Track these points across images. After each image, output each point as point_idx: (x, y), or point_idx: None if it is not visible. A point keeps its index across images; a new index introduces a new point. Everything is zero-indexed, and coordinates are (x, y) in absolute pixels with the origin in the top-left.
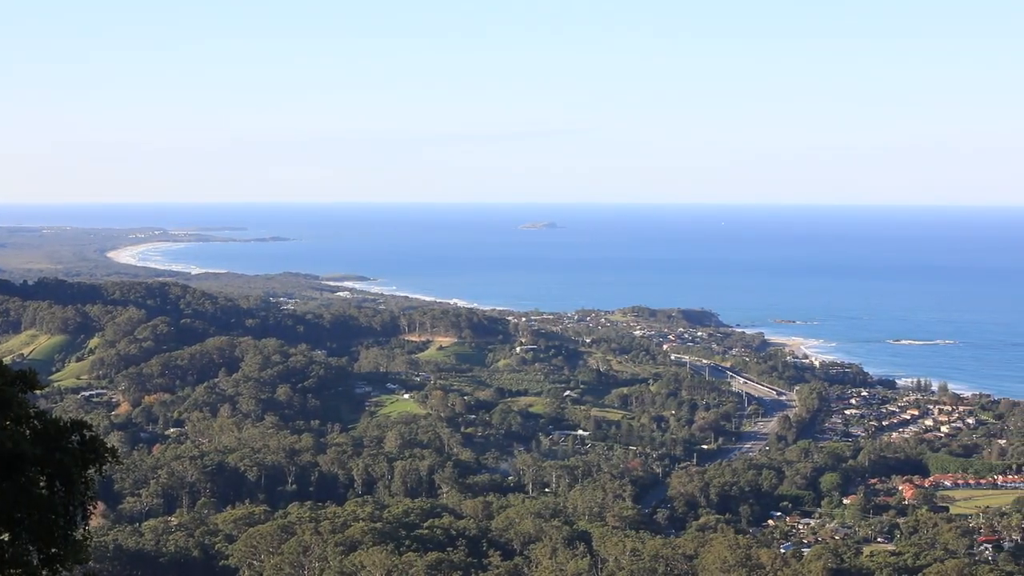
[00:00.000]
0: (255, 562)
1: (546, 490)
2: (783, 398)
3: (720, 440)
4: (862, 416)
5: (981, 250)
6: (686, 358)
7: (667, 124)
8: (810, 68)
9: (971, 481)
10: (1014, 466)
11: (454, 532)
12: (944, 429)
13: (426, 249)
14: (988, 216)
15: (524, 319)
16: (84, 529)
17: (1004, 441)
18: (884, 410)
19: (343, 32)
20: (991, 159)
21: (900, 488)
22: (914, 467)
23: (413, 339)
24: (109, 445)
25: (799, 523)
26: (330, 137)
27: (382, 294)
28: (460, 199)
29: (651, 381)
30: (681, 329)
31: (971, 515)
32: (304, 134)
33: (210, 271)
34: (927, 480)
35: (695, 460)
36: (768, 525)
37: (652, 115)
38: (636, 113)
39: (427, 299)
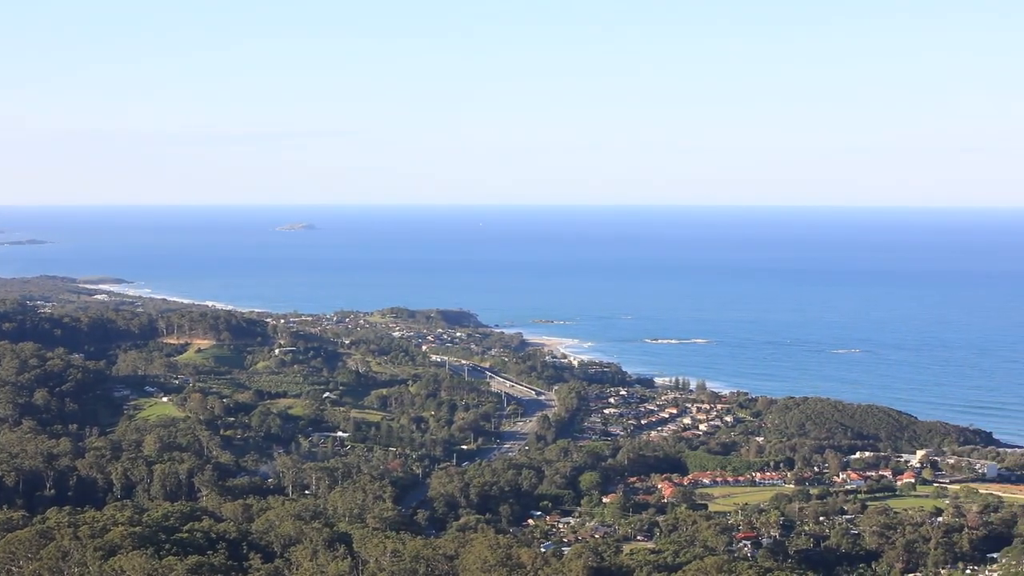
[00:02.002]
0: (13, 568)
1: (306, 492)
2: (542, 398)
3: (480, 440)
4: (621, 415)
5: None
6: (445, 359)
7: (430, 127)
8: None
9: (729, 479)
10: (771, 463)
11: (214, 535)
12: (703, 427)
13: (184, 251)
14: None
15: (283, 321)
16: None
17: (762, 439)
18: (643, 409)
19: (94, 27)
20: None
21: (659, 486)
22: (673, 465)
23: (171, 342)
24: None
25: (559, 522)
26: (81, 134)
27: (140, 296)
28: (217, 200)
29: (410, 382)
30: (440, 330)
31: (730, 512)
32: (51, 132)
33: None
34: (686, 478)
35: (455, 460)
36: (528, 524)
37: (414, 117)
38: (395, 115)
39: (185, 301)
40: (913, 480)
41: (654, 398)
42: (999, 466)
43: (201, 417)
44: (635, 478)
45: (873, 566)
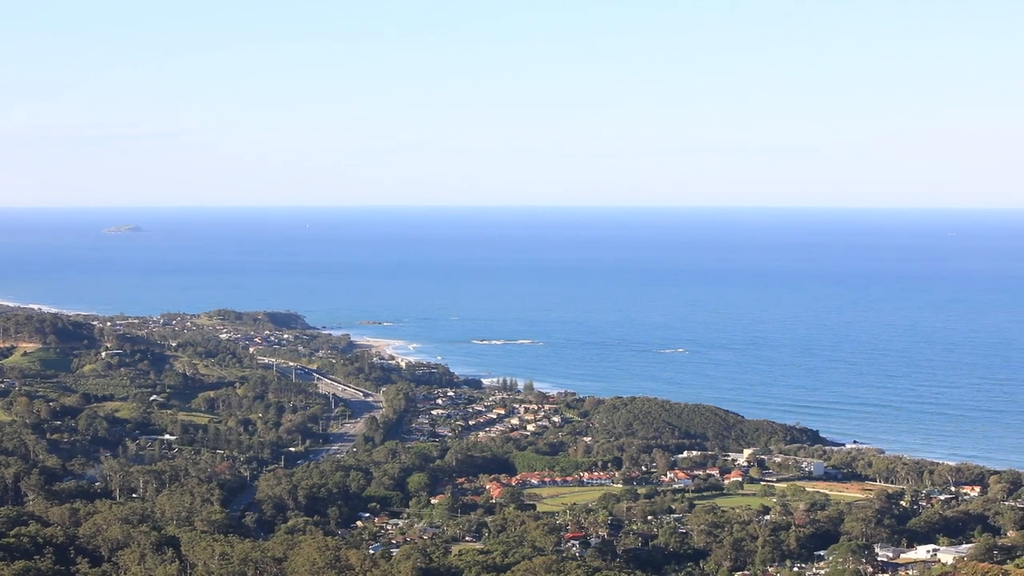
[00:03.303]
0: None
1: (134, 496)
2: (370, 399)
3: (308, 442)
4: (449, 416)
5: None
6: (273, 361)
7: (252, 127)
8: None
9: (557, 479)
10: (599, 463)
11: (41, 540)
12: (530, 428)
13: (8, 253)
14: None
15: (109, 324)
16: None
17: (589, 439)
18: (471, 409)
19: None
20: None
21: (487, 487)
22: (501, 466)
23: None
24: None
25: (388, 523)
26: None
27: None
28: (40, 202)
29: (238, 384)
30: (267, 332)
31: (558, 512)
32: None
33: None
34: (514, 478)
35: (283, 463)
36: (357, 526)
37: (234, 118)
38: (220, 115)
39: (10, 304)
40: (740, 479)
41: (482, 399)
42: (825, 464)
43: (27, 421)
44: (463, 479)
45: (701, 564)
